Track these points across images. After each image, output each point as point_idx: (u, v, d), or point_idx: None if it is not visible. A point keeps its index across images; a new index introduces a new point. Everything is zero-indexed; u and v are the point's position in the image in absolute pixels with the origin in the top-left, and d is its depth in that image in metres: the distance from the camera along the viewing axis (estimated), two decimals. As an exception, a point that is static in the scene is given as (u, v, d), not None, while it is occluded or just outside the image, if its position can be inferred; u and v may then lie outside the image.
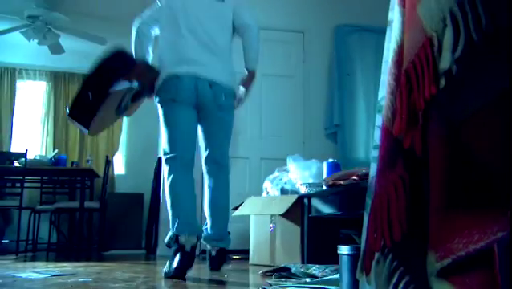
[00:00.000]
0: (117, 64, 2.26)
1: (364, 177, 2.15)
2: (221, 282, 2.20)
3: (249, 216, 3.25)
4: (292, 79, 4.45)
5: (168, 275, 2.18)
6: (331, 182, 2.42)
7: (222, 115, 2.42)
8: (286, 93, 4.42)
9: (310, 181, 2.85)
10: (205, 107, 2.37)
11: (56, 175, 4.89)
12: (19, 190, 4.08)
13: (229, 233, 2.58)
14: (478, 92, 0.63)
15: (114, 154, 5.73)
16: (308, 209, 2.73)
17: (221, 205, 2.50)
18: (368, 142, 4.38)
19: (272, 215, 2.96)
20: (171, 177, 2.32)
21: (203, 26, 2.40)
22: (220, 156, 2.48)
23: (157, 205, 4.40)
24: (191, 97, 2.32)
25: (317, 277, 1.85)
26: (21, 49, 5.49)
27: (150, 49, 2.46)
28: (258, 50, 2.51)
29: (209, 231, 2.51)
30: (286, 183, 3.09)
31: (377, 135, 0.85)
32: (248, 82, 2.54)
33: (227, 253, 2.65)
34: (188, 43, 2.36)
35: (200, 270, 2.70)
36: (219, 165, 2.49)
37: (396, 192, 0.72)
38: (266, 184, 3.28)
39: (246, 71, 2.53)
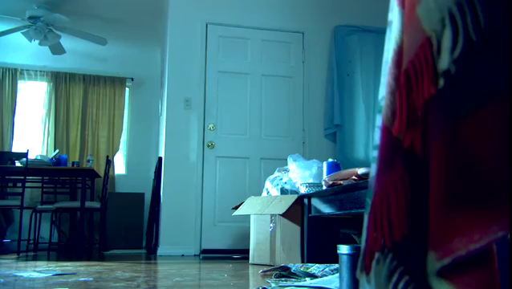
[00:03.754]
0: None
1: (364, 176, 2.15)
2: (222, 282, 2.20)
3: (249, 216, 3.25)
4: (292, 80, 4.46)
5: None
6: (330, 182, 2.42)
7: None
8: (285, 93, 4.42)
9: (311, 180, 2.85)
10: None
11: (57, 175, 4.89)
12: (20, 190, 4.08)
13: None
14: (478, 92, 0.63)
15: (114, 154, 5.73)
16: (308, 208, 2.73)
17: None
18: (368, 142, 4.38)
19: (272, 215, 2.97)
20: None
21: None
22: None
23: (158, 205, 4.41)
24: None
25: (317, 276, 1.86)
26: (22, 49, 5.50)
27: None
28: None
29: None
30: (286, 183, 3.10)
31: (377, 135, 0.85)
32: None
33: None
34: None
35: (200, 269, 2.70)
36: None
37: (396, 191, 0.72)
38: (267, 184, 3.29)
39: None
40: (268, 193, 3.23)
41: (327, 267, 1.91)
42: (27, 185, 4.37)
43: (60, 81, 5.67)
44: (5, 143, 5.42)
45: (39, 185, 5.05)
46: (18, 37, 5.03)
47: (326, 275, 1.82)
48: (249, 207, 3.17)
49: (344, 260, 1.34)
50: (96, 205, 4.57)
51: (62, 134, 5.60)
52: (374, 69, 4.45)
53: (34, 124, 5.65)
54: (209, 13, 4.35)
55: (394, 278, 0.72)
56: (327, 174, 2.63)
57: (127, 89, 5.96)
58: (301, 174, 2.95)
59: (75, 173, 4.83)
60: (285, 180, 3.13)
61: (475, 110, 0.62)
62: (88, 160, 4.80)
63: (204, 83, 4.27)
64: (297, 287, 1.68)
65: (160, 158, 4.47)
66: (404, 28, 0.73)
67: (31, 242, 4.60)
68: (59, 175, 4.92)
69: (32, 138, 5.56)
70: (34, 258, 3.82)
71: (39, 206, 4.66)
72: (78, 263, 3.08)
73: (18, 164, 4.36)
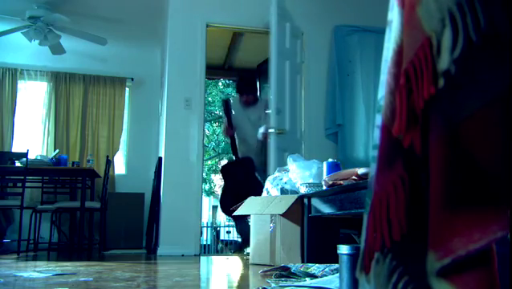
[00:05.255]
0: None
1: (364, 176, 2.15)
2: (222, 282, 2.20)
3: (249, 216, 3.25)
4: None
5: None
6: (330, 182, 2.42)
7: None
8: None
9: (311, 180, 2.85)
10: None
11: (57, 175, 4.89)
12: (20, 190, 4.09)
13: None
14: (477, 93, 0.63)
15: (115, 154, 5.73)
16: (308, 209, 2.73)
17: None
18: (368, 142, 4.38)
19: (272, 215, 2.97)
20: None
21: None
22: None
23: (158, 205, 4.41)
24: None
25: (317, 276, 1.86)
26: (22, 49, 5.50)
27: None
28: None
29: None
30: (286, 183, 3.09)
31: (377, 135, 0.85)
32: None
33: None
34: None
35: (200, 269, 2.70)
36: None
37: (396, 191, 0.72)
38: (267, 184, 3.28)
39: None
40: (268, 193, 3.23)
41: (327, 267, 1.91)
42: (27, 185, 4.37)
43: (60, 81, 5.67)
44: (5, 143, 5.42)
45: (39, 185, 5.05)
46: (18, 37, 5.03)
47: (326, 275, 1.82)
48: (249, 207, 3.17)
49: (344, 260, 1.34)
50: (96, 205, 4.57)
51: (62, 134, 5.60)
52: (374, 69, 4.45)
53: (34, 124, 5.65)
54: (209, 13, 4.35)
55: (393, 278, 0.72)
56: (327, 174, 2.62)
57: (127, 89, 5.96)
58: (301, 174, 2.95)
59: (75, 173, 4.83)
60: (285, 180, 3.13)
61: (475, 110, 0.62)
62: (88, 160, 4.79)
63: (204, 83, 4.27)
64: (297, 287, 1.68)
65: (160, 158, 4.47)
66: (403, 28, 0.73)
67: (31, 242, 4.59)
68: (59, 175, 4.92)
69: (32, 138, 5.56)
70: (34, 258, 3.82)
71: (39, 206, 4.66)
72: (78, 263, 3.08)
73: (18, 164, 4.36)
